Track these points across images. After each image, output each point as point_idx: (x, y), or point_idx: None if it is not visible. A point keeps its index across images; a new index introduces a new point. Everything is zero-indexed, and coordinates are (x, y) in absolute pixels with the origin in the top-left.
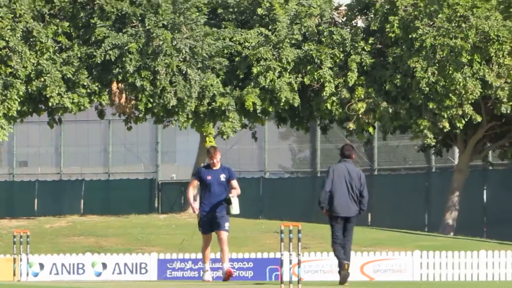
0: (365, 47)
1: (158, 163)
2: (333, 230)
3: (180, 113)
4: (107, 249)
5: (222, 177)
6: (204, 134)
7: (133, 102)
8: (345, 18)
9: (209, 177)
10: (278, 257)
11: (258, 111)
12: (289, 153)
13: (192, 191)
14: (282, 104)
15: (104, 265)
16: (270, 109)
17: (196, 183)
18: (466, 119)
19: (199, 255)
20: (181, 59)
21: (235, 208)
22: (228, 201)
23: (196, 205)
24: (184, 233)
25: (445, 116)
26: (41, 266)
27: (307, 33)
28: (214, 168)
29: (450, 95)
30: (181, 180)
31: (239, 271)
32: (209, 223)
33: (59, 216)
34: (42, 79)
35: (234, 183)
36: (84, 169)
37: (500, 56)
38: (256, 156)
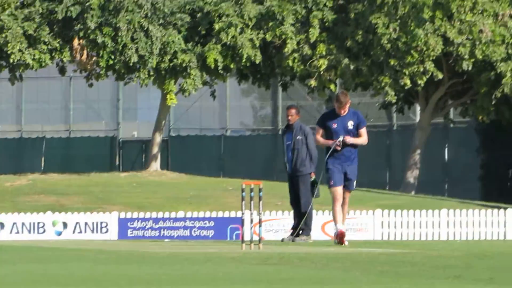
0: (327, 3)
1: (119, 120)
2: None
3: (141, 70)
4: (68, 208)
5: (350, 124)
6: (165, 91)
7: (94, 58)
8: None
9: (334, 125)
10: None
11: (219, 67)
12: (251, 110)
13: (321, 139)
14: (243, 61)
15: (65, 225)
16: (232, 66)
17: (321, 131)
18: (427, 76)
19: (160, 214)
20: (143, 16)
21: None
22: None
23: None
24: (145, 191)
25: (407, 73)
26: (1, 225)
27: None
28: (342, 114)
29: (412, 52)
30: (142, 138)
31: (199, 230)
32: (341, 175)
33: (19, 174)
34: (3, 35)
35: (363, 131)
36: (45, 127)
37: (462, 12)
38: (218, 114)
